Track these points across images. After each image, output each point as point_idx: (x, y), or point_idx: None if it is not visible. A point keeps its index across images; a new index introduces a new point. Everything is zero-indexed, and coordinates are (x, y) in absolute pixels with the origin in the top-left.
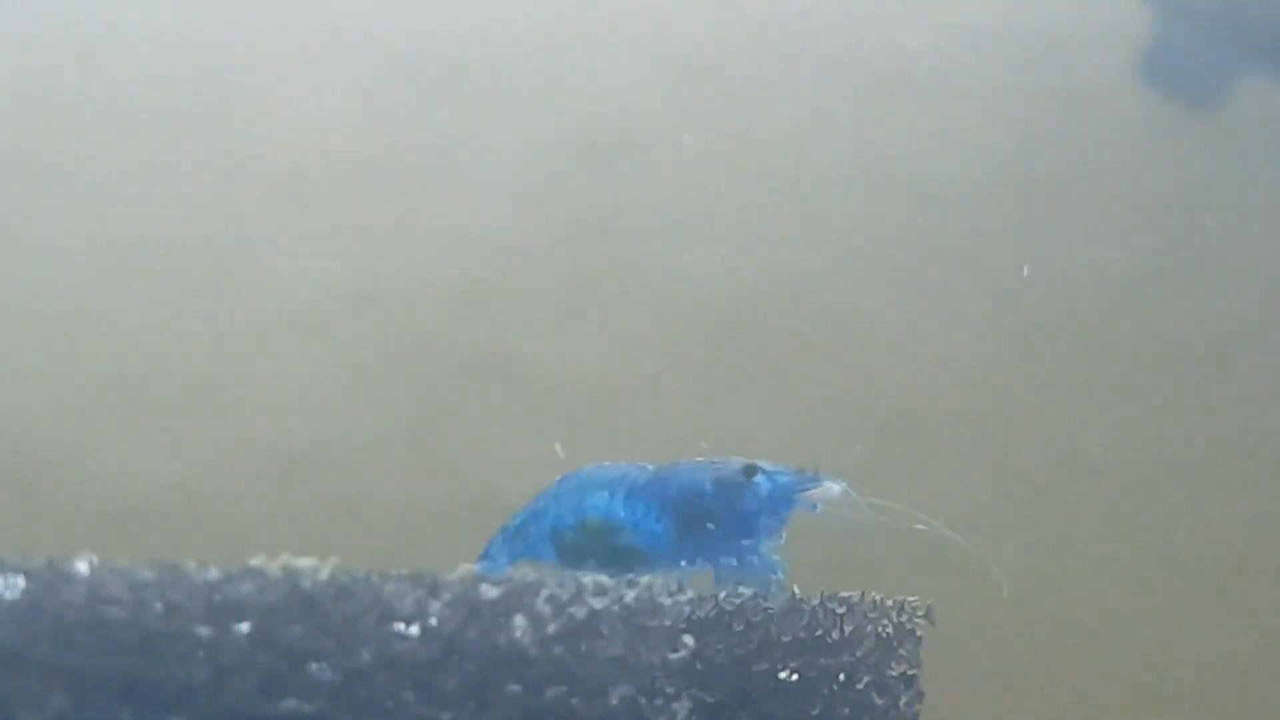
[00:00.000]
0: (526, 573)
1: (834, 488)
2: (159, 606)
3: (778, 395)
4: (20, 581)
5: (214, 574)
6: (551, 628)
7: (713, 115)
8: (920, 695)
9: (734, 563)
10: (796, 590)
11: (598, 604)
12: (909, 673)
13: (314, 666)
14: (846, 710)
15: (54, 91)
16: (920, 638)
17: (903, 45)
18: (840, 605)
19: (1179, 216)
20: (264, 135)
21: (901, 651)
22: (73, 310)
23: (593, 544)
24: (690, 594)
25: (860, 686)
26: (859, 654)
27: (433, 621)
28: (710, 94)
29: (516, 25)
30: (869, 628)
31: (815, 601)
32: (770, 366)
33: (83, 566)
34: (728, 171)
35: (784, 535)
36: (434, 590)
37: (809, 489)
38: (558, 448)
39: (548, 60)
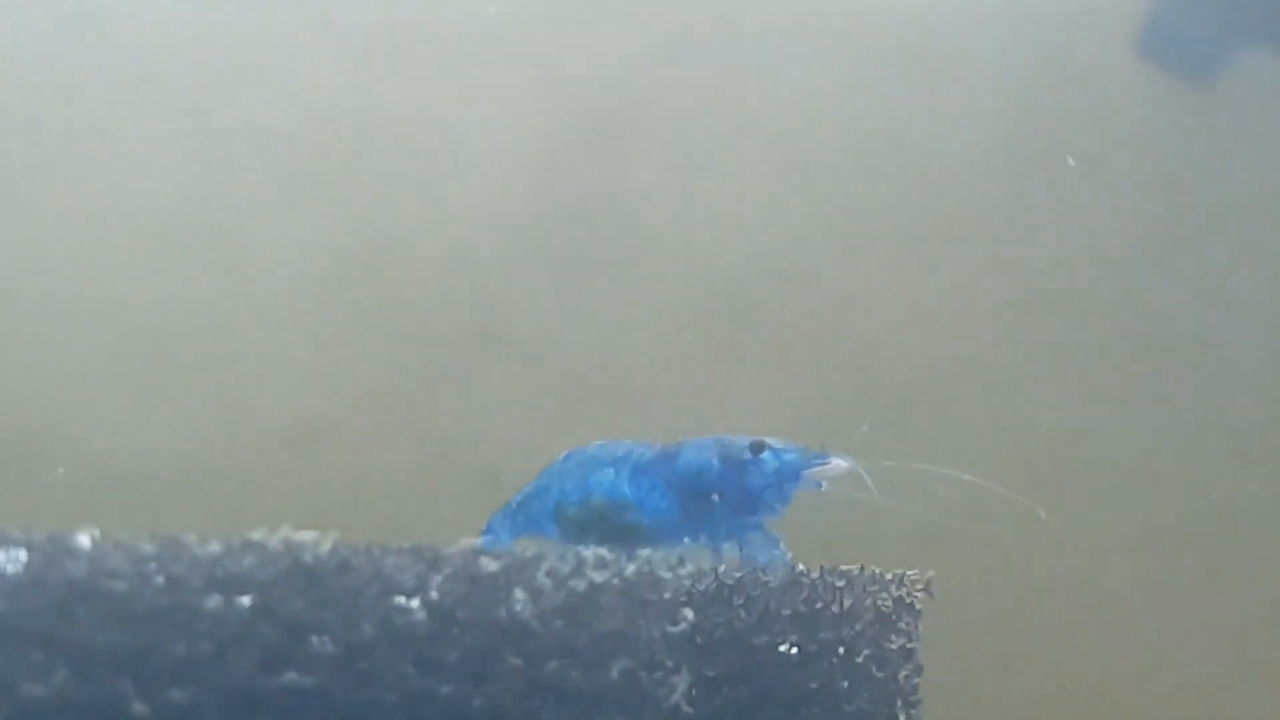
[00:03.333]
0: (527, 547)
1: (841, 464)
2: (160, 580)
3: (779, 369)
4: (22, 555)
5: (215, 547)
6: (552, 601)
7: (711, 89)
8: (919, 669)
9: (738, 538)
10: (800, 566)
11: (598, 578)
12: (908, 646)
13: (315, 639)
14: (846, 683)
15: (58, 67)
16: (920, 611)
17: (901, 18)
18: (840, 579)
19: (1176, 190)
20: (263, 109)
21: (901, 625)
22: (75, 285)
23: (597, 520)
24: (690, 568)
25: (860, 660)
26: (858, 627)
27: (433, 595)
28: (709, 68)
29: None
30: (868, 601)
31: (815, 575)
32: (771, 341)
33: (84, 540)
34: (726, 145)
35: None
36: (435, 564)
37: (816, 466)
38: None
39: (547, 34)
